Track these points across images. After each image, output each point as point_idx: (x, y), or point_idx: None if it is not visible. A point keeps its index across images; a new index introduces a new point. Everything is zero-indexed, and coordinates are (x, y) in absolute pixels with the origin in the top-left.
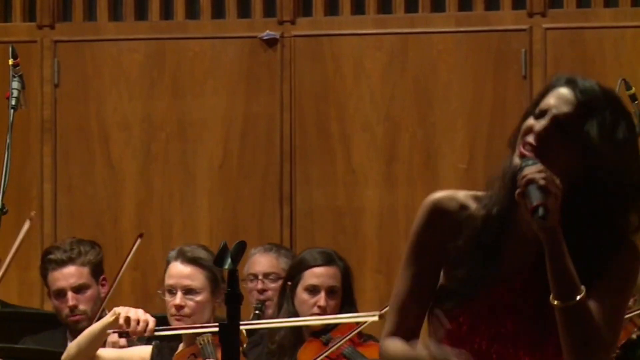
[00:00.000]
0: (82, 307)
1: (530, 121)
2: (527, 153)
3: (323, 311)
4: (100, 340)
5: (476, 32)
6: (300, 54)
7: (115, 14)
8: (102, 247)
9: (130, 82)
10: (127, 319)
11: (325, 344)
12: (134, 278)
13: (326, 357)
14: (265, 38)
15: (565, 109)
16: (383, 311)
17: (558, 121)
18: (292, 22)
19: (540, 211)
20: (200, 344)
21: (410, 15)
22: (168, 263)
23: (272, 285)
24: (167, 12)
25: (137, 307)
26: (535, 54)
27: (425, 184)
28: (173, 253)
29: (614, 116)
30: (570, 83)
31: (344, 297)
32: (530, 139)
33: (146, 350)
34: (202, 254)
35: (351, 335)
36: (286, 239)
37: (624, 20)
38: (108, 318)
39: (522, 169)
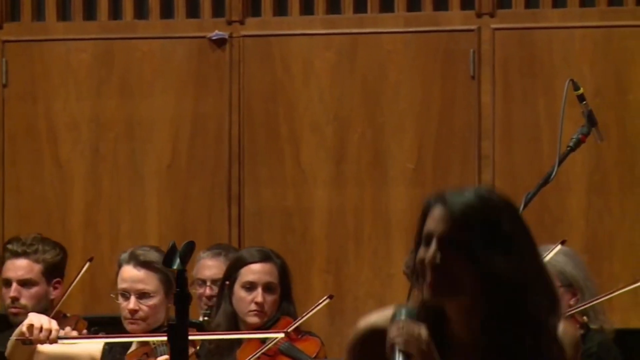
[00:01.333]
0: (23, 301)
1: (421, 253)
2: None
3: (260, 307)
4: (18, 346)
5: (425, 32)
6: (249, 54)
7: (63, 14)
8: None
9: (78, 82)
10: (30, 327)
11: (263, 342)
12: (82, 278)
13: (264, 354)
14: (214, 38)
15: (442, 227)
16: (289, 329)
17: (442, 241)
18: (241, 22)
19: None
20: (154, 344)
21: (359, 16)
22: (120, 266)
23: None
24: (115, 12)
25: (87, 307)
26: (483, 55)
27: (374, 184)
28: (125, 256)
29: (492, 216)
30: (441, 201)
31: (282, 293)
32: (427, 271)
33: (96, 348)
34: (154, 256)
35: (287, 330)
36: (234, 239)
37: (572, 21)
38: (22, 326)
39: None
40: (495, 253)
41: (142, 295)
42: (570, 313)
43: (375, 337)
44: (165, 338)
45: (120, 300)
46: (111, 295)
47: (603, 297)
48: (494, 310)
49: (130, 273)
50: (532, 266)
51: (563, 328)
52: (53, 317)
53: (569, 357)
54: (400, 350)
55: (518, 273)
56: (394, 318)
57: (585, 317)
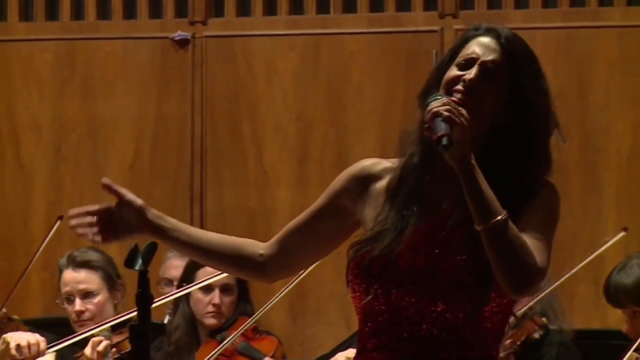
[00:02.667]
0: None
1: (455, 71)
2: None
3: (218, 309)
4: None
5: (388, 33)
6: (212, 55)
7: (25, 14)
8: (12, 247)
9: (41, 83)
10: (19, 347)
11: (221, 342)
12: (43, 279)
13: (221, 354)
14: (176, 39)
15: (492, 56)
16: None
17: (487, 68)
18: (204, 23)
19: (444, 141)
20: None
21: (322, 16)
22: (60, 271)
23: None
24: (78, 13)
25: (47, 309)
26: None
27: None
28: (63, 261)
29: (536, 65)
30: (492, 31)
31: (239, 294)
32: (460, 87)
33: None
34: (92, 255)
35: (242, 330)
36: None
37: (535, 22)
38: (10, 350)
39: (427, 105)
40: (532, 95)
41: (85, 295)
42: (528, 312)
43: (366, 175)
44: (105, 327)
45: (66, 305)
46: (56, 301)
47: (552, 286)
48: (503, 148)
49: (70, 276)
50: (548, 123)
51: (553, 184)
52: None
53: (555, 204)
54: (445, 118)
55: (543, 122)
56: (427, 102)
57: (544, 319)
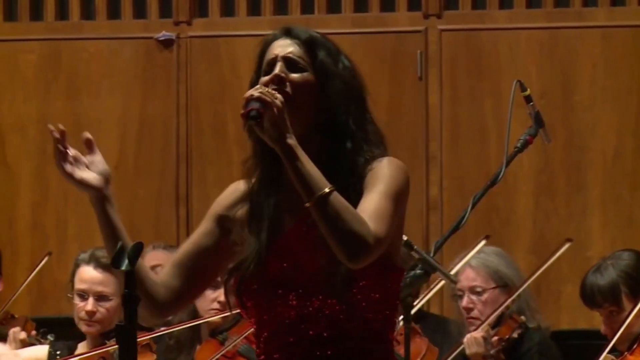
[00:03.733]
0: None
1: (263, 79)
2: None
3: (223, 307)
4: None
5: (372, 33)
6: (196, 55)
7: (10, 14)
8: None
9: (25, 83)
10: None
11: (222, 343)
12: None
13: (222, 356)
14: (161, 39)
15: (289, 49)
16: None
17: (288, 60)
18: (188, 23)
19: (252, 113)
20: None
21: (306, 17)
22: (77, 265)
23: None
24: (62, 13)
25: (33, 308)
26: (431, 56)
27: None
28: (85, 256)
29: (335, 47)
30: (282, 31)
31: None
32: (272, 86)
33: (42, 350)
34: None
35: (247, 333)
36: (182, 239)
37: (519, 22)
38: None
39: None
40: (342, 73)
41: (100, 297)
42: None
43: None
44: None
45: (77, 300)
46: (68, 295)
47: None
48: (330, 135)
49: (90, 274)
50: (362, 96)
51: (387, 157)
52: (1, 318)
53: (392, 173)
54: (256, 98)
55: (356, 96)
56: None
57: (522, 317)
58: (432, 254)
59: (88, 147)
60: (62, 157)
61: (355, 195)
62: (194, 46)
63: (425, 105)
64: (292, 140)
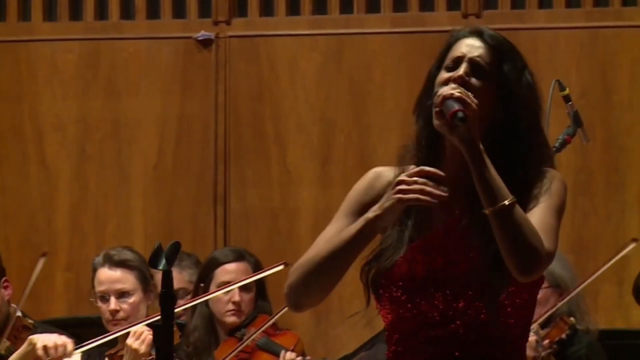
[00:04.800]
0: None
1: (445, 74)
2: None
3: (238, 306)
4: None
5: (411, 33)
6: (235, 55)
7: (49, 14)
8: (36, 247)
9: (64, 83)
10: (45, 348)
11: (240, 339)
12: (67, 279)
13: (241, 351)
14: (200, 38)
15: (478, 52)
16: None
17: (475, 63)
18: (227, 23)
19: (460, 114)
20: None
21: (345, 16)
22: (94, 270)
23: (181, 301)
24: (102, 13)
25: (71, 309)
26: None
27: None
28: (99, 259)
29: (522, 60)
30: (475, 32)
31: (257, 291)
32: (455, 89)
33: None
34: (128, 255)
35: (264, 327)
36: (220, 239)
37: (558, 22)
38: (25, 348)
39: (435, 94)
40: (522, 90)
41: (121, 294)
42: (556, 312)
43: (379, 179)
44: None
45: (100, 303)
46: (90, 300)
47: (581, 285)
48: (500, 145)
49: (106, 274)
50: (538, 113)
51: (553, 171)
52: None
53: (559, 190)
54: (457, 98)
55: (533, 113)
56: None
57: (572, 319)
58: None
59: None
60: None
61: (522, 206)
62: (232, 46)
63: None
64: (480, 145)
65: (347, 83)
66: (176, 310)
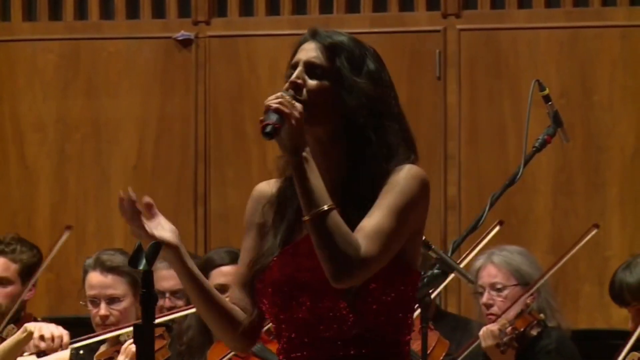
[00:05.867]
0: None
1: (286, 83)
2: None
3: None
4: (14, 356)
5: (391, 32)
6: (215, 55)
7: (29, 14)
8: None
9: (44, 83)
10: (42, 337)
11: None
12: (48, 279)
13: (235, 355)
14: (180, 38)
15: (311, 54)
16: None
17: (309, 64)
18: (207, 23)
19: (267, 128)
20: (124, 340)
21: (325, 16)
22: (85, 272)
23: (180, 302)
24: (81, 12)
25: (52, 308)
26: (449, 55)
27: None
28: (90, 262)
29: (361, 51)
30: (311, 35)
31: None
32: (290, 91)
33: (64, 355)
34: (120, 260)
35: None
36: (201, 240)
37: (538, 22)
38: (19, 335)
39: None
40: (360, 80)
41: (111, 300)
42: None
43: (262, 197)
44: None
45: (90, 307)
46: (81, 303)
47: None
48: (352, 142)
49: (97, 279)
50: (392, 105)
51: (407, 166)
52: (23, 319)
53: (406, 187)
54: (274, 109)
55: (374, 104)
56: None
57: (542, 315)
58: (450, 254)
59: (149, 210)
60: (136, 218)
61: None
62: (212, 46)
63: (443, 105)
64: (305, 153)
65: None
66: (175, 315)
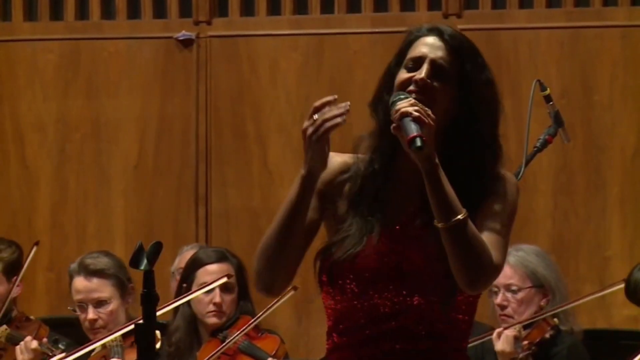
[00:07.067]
0: None
1: (405, 74)
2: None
3: (219, 307)
4: None
5: (392, 32)
6: (216, 55)
7: (30, 14)
8: None
9: (45, 83)
10: None
11: (223, 341)
12: (48, 279)
13: (223, 353)
14: (181, 38)
15: (439, 53)
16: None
17: (437, 65)
18: (208, 23)
19: (418, 142)
20: (109, 345)
21: (326, 16)
22: (71, 277)
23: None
24: (82, 12)
25: (52, 308)
26: None
27: None
28: (75, 267)
29: (481, 58)
30: (434, 30)
31: (240, 292)
32: (413, 87)
33: None
34: (104, 263)
35: (245, 330)
36: (202, 239)
37: (539, 22)
38: None
39: (393, 104)
40: (480, 86)
41: (99, 303)
42: (542, 317)
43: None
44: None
45: (79, 312)
46: (69, 308)
47: (573, 302)
48: (459, 144)
49: (82, 284)
50: (497, 113)
51: (507, 173)
52: (15, 319)
53: (513, 196)
54: (414, 118)
55: (493, 113)
56: (392, 101)
57: (555, 319)
58: None
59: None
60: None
61: (477, 210)
62: (213, 46)
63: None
64: (436, 160)
65: (327, 83)
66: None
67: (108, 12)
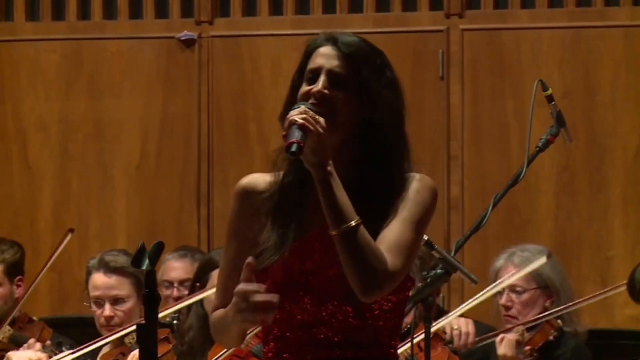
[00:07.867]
0: None
1: (305, 87)
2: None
3: None
4: None
5: (393, 32)
6: (218, 55)
7: (32, 14)
8: None
9: (47, 83)
10: None
11: None
12: (50, 279)
13: (234, 355)
14: (182, 38)
15: (335, 62)
16: None
17: (333, 74)
18: (210, 23)
19: (293, 147)
20: (129, 343)
21: (328, 16)
22: (89, 273)
23: (186, 292)
24: (84, 12)
25: (54, 308)
26: (452, 55)
27: None
28: (94, 262)
29: (380, 58)
30: (330, 40)
31: None
32: (312, 100)
33: None
34: (123, 260)
35: (256, 331)
36: (204, 239)
37: (541, 22)
38: None
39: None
40: (383, 91)
41: (116, 301)
42: (546, 319)
43: (252, 192)
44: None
45: (94, 307)
46: (85, 304)
47: (576, 303)
48: (367, 148)
49: (101, 280)
50: (402, 112)
51: (421, 175)
52: (18, 320)
53: (424, 198)
54: (299, 126)
55: (396, 114)
56: (293, 108)
57: (559, 321)
58: (453, 254)
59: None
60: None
61: (389, 212)
62: (215, 46)
63: (446, 105)
64: (329, 167)
65: None
66: (169, 310)
67: (110, 12)
